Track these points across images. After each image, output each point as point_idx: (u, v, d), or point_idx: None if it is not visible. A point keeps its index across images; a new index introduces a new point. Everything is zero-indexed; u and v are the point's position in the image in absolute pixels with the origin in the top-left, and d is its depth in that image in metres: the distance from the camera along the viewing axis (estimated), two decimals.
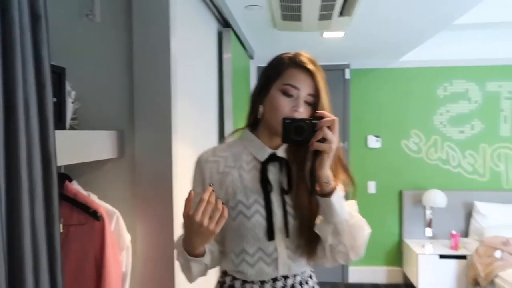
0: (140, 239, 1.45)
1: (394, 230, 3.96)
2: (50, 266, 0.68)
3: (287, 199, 1.07)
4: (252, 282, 1.09)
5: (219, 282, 1.16)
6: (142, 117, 1.45)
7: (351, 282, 3.98)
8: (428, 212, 3.77)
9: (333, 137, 0.95)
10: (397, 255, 3.96)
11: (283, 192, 1.07)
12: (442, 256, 3.41)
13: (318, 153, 0.97)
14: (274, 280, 1.08)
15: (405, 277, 3.85)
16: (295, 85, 1.04)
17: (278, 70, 1.07)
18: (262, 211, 1.06)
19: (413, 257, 3.53)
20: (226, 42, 2.35)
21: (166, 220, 1.44)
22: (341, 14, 2.33)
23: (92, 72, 1.48)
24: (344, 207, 1.02)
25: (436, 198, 3.62)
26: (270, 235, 1.05)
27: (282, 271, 1.08)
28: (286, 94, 1.04)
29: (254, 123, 1.14)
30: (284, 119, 0.99)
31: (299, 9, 2.22)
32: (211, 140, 2.19)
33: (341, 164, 1.06)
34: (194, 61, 1.85)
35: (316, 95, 1.04)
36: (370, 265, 3.99)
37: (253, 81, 3.58)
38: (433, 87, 3.86)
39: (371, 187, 3.97)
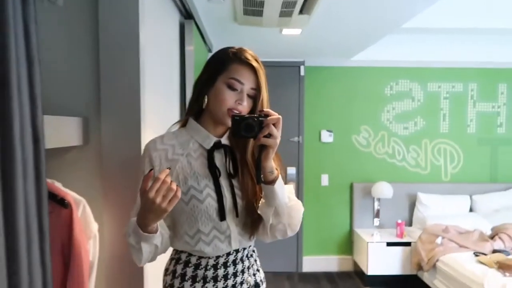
0: (107, 228, 1.44)
1: (345, 220, 4.16)
2: (40, 242, 0.68)
3: (234, 182, 1.18)
4: (208, 258, 1.18)
5: (173, 258, 1.23)
6: (109, 104, 1.44)
7: (305, 271, 4.13)
8: (376, 203, 4.01)
9: (278, 133, 1.07)
10: (348, 244, 4.16)
11: (230, 176, 1.18)
12: (389, 244, 3.64)
13: (263, 147, 1.08)
14: (228, 254, 1.20)
15: (356, 264, 4.05)
16: (240, 80, 1.13)
17: (224, 63, 1.14)
18: (213, 194, 1.15)
19: (363, 245, 3.73)
20: (188, 34, 2.36)
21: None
22: (301, 12, 2.43)
23: (56, 58, 1.44)
24: (284, 192, 1.15)
25: (383, 190, 3.85)
26: (222, 216, 1.15)
27: (234, 246, 1.20)
28: (231, 87, 1.13)
29: (197, 112, 1.21)
30: (234, 116, 1.09)
31: (261, 4, 2.28)
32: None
33: (276, 154, 1.15)
34: (159, 50, 1.85)
35: (258, 89, 1.14)
36: (323, 255, 4.16)
37: None
38: (381, 86, 4.09)
39: (324, 180, 4.13)
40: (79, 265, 1.29)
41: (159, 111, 1.81)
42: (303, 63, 4.06)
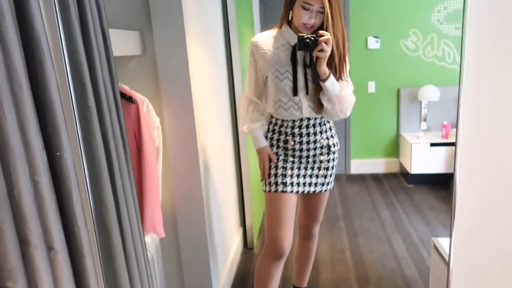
0: (167, 121, 1.80)
1: (392, 125, 4.30)
2: (122, 140, 1.01)
3: (308, 70, 1.66)
4: (287, 121, 1.75)
5: (270, 122, 1.83)
6: (157, 19, 1.70)
7: (353, 173, 4.45)
8: (423, 106, 4.07)
9: (328, 48, 1.54)
10: (394, 147, 4.35)
11: (305, 66, 1.66)
12: (432, 144, 3.78)
13: (318, 58, 1.58)
14: (301, 120, 1.73)
15: (401, 166, 4.28)
16: (309, 3, 1.54)
17: None
18: (290, 77, 1.67)
19: (408, 147, 3.91)
20: None
21: (186, 104, 1.76)
22: None
23: None
24: (334, 88, 1.64)
25: (430, 93, 3.88)
26: (295, 92, 1.68)
27: (305, 115, 1.72)
28: (304, 8, 1.56)
29: (288, 20, 1.68)
30: (298, 36, 1.56)
31: None
32: (220, 42, 2.44)
33: (344, 63, 1.67)
34: None
35: (324, 8, 1.54)
36: (370, 158, 4.41)
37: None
38: None
39: (371, 87, 4.22)
40: (148, 149, 1.67)
41: (202, 23, 2.05)
42: None
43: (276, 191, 1.75)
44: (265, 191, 1.80)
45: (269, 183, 1.78)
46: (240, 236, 2.90)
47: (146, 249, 1.19)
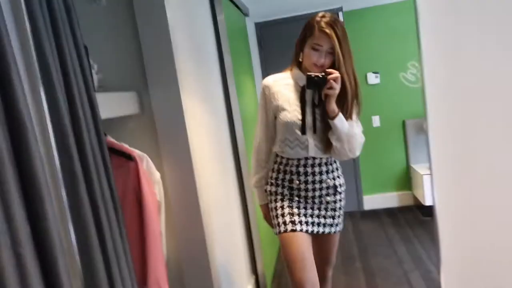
0: (167, 175, 1.83)
1: (401, 157, 4.27)
2: (113, 202, 1.05)
3: (316, 110, 1.69)
4: (292, 159, 1.77)
5: (275, 161, 1.85)
6: (153, 79, 1.78)
7: (366, 209, 4.37)
8: None
9: (337, 86, 1.58)
10: (406, 180, 4.29)
11: (314, 105, 1.70)
12: None
13: (327, 96, 1.61)
14: (306, 158, 1.75)
15: (415, 198, 4.19)
16: (319, 44, 1.60)
17: (310, 31, 1.62)
18: (299, 116, 1.70)
19: (419, 179, 3.85)
20: (218, 3, 2.60)
21: (185, 158, 1.80)
22: None
23: (106, 48, 1.80)
24: (344, 126, 1.65)
25: None
26: (303, 131, 1.70)
27: (310, 154, 1.73)
28: (314, 49, 1.62)
29: (298, 62, 1.73)
30: (308, 75, 1.61)
31: None
32: (218, 93, 2.52)
33: (357, 100, 1.71)
34: (190, 25, 2.14)
35: (333, 49, 1.59)
36: (382, 192, 4.35)
37: (251, 38, 3.83)
38: None
39: (376, 121, 4.24)
40: (149, 204, 1.69)
41: (197, 77, 2.14)
42: (341, 9, 4.09)
43: (285, 231, 1.73)
44: (276, 233, 1.78)
45: (278, 224, 1.77)
46: (253, 284, 2.84)
47: None
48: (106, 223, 0.99)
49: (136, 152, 1.71)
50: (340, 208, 1.82)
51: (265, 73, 4.08)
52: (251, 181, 1.93)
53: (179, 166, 1.82)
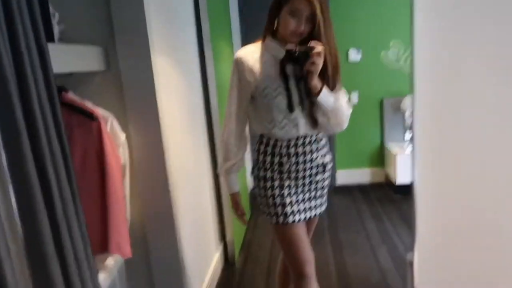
0: (133, 137, 1.74)
1: (377, 135, 4.28)
2: (64, 161, 0.95)
3: (301, 84, 1.52)
4: (281, 140, 1.61)
5: (258, 140, 1.68)
6: (121, 34, 1.65)
7: (339, 183, 4.40)
8: (406, 116, 4.05)
9: (320, 61, 1.42)
10: (379, 157, 4.32)
11: (297, 78, 1.53)
12: None
13: (309, 72, 1.45)
14: (297, 138, 1.61)
15: (387, 176, 4.24)
16: (298, 9, 1.43)
17: None
18: (284, 92, 1.53)
19: (392, 158, 3.88)
20: None
21: (152, 118, 1.71)
22: None
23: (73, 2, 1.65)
24: (328, 100, 1.53)
25: None
26: (291, 108, 1.55)
27: (302, 132, 1.60)
28: (293, 15, 1.44)
29: (272, 32, 1.56)
30: (287, 49, 1.45)
31: None
32: (193, 58, 2.41)
33: (337, 72, 1.55)
34: None
35: (314, 15, 1.43)
36: (355, 168, 4.38)
37: (232, 2, 3.67)
38: None
39: (354, 97, 4.21)
40: (111, 167, 1.60)
41: (170, 37, 2.01)
42: None
43: (277, 222, 1.65)
44: (271, 223, 1.69)
45: (270, 213, 1.67)
46: (221, 251, 2.82)
47: (97, 275, 1.12)
48: (54, 182, 0.91)
49: (100, 111, 1.60)
50: (327, 186, 1.75)
51: (245, 41, 3.95)
52: (219, 168, 1.75)
53: (146, 127, 1.72)
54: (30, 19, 0.90)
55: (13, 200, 0.81)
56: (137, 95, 1.70)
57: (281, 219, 1.64)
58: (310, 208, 1.70)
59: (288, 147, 1.61)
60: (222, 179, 2.41)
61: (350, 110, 1.65)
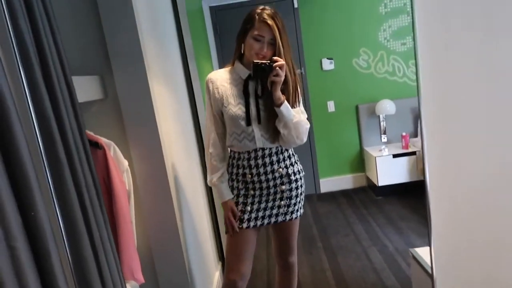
0: (136, 163, 1.76)
1: (355, 141, 4.44)
2: (95, 187, 0.99)
3: (260, 101, 1.71)
4: (243, 153, 1.77)
5: (230, 156, 1.85)
6: (117, 62, 1.69)
7: (323, 191, 4.52)
8: (381, 120, 4.24)
9: (282, 73, 1.60)
10: (360, 162, 4.47)
11: (257, 96, 1.71)
12: (395, 156, 3.92)
13: (273, 82, 1.62)
14: (255, 150, 1.75)
15: (368, 180, 4.39)
16: (261, 34, 1.62)
17: (252, 23, 1.64)
18: (243, 108, 1.71)
19: (372, 161, 4.03)
20: None
21: (154, 144, 1.73)
22: None
23: (66, 29, 1.67)
24: (289, 113, 1.67)
25: (386, 107, 4.06)
26: (248, 122, 1.71)
27: (258, 145, 1.74)
28: (256, 40, 1.63)
29: (239, 56, 1.75)
30: (253, 62, 1.61)
31: None
32: (180, 76, 2.45)
33: (298, 89, 1.74)
34: (150, 4, 2.06)
35: (275, 39, 1.62)
36: (337, 175, 4.51)
37: (207, 21, 3.75)
38: (375, 5, 4.15)
39: (331, 106, 4.36)
40: (119, 193, 1.62)
41: (161, 59, 2.06)
42: None
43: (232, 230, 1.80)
44: (226, 232, 1.84)
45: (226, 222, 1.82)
46: (220, 271, 2.84)
47: None
48: (91, 211, 0.94)
49: (102, 140, 1.62)
50: (297, 196, 1.83)
51: (221, 59, 4.04)
52: (209, 181, 1.86)
53: (148, 153, 1.75)
54: (57, 52, 0.94)
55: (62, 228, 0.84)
56: (137, 122, 1.73)
57: (236, 224, 1.79)
58: (269, 216, 1.82)
59: (248, 159, 1.77)
60: (214, 190, 2.48)
61: (308, 125, 1.76)
